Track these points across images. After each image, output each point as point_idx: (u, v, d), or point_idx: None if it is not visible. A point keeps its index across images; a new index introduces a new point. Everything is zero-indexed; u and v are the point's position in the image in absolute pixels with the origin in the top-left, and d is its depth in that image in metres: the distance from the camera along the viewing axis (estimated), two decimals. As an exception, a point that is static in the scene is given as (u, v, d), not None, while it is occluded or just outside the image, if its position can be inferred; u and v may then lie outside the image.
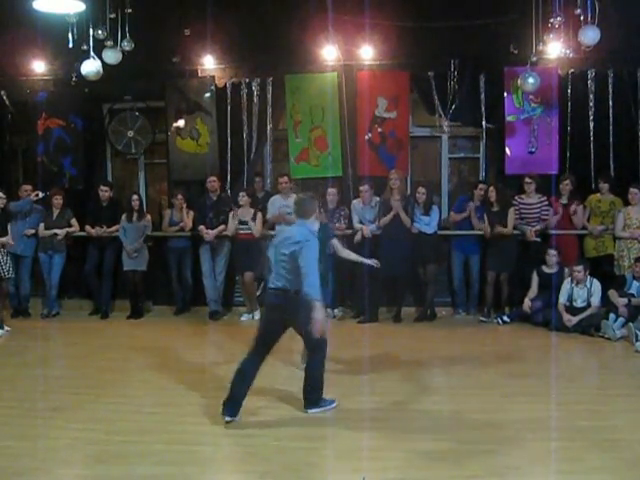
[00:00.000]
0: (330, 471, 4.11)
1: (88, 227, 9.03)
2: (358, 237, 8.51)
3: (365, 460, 4.20)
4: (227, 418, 4.73)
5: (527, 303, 8.03)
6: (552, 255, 8.01)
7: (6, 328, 8.05)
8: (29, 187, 9.00)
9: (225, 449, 4.49)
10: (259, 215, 8.64)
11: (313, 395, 5.02)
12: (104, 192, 9.03)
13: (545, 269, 8.06)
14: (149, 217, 9.09)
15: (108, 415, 5.04)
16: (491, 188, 8.40)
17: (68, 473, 4.16)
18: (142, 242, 8.86)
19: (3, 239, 8.18)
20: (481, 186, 8.64)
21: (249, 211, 8.64)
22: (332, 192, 8.68)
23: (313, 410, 4.98)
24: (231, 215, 8.75)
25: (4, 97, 9.58)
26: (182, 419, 4.94)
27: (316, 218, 5.08)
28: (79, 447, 4.46)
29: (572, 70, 8.69)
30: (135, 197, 8.92)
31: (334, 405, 5.07)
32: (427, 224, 8.44)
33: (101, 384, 5.85)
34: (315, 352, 4.98)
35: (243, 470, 4.18)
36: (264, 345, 4.89)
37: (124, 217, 8.87)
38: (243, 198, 8.66)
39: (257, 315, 8.43)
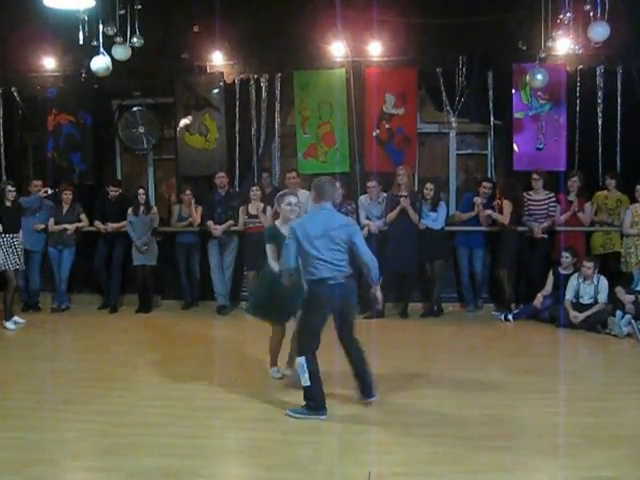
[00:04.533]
0: (336, 465, 4.13)
1: (97, 222, 9.10)
2: (365, 233, 8.52)
3: (371, 454, 4.23)
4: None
5: (539, 298, 8.02)
6: (565, 257, 7.99)
7: (21, 320, 8.16)
8: (39, 183, 9.08)
9: (232, 442, 4.52)
10: (269, 208, 8.68)
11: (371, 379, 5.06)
12: (114, 192, 9.09)
13: (561, 270, 8.03)
14: (155, 210, 9.14)
15: (116, 408, 5.09)
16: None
17: (77, 465, 4.21)
18: (150, 236, 8.91)
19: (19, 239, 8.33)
20: (485, 184, 8.64)
21: (259, 205, 8.69)
22: (337, 187, 8.69)
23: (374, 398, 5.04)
24: (241, 210, 8.80)
25: (14, 93, 9.63)
26: (189, 412, 4.98)
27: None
28: (88, 439, 4.51)
29: (581, 66, 8.67)
30: (141, 191, 8.98)
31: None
32: (434, 220, 8.45)
33: (110, 377, 5.90)
34: (356, 340, 5.07)
35: (249, 463, 4.21)
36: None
37: (130, 211, 8.92)
38: (257, 192, 8.70)
39: None
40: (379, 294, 5.20)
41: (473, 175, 9.71)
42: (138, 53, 8.36)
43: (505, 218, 8.28)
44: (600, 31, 7.28)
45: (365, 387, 5.04)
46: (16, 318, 8.17)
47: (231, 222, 8.84)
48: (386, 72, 9.07)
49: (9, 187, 8.20)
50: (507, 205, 8.31)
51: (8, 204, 8.18)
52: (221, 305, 8.89)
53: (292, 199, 5.45)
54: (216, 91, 9.36)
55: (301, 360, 4.80)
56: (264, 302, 5.50)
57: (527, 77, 8.34)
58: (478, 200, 8.54)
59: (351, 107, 9.12)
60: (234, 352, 6.81)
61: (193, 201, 9.06)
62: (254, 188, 8.76)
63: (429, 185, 8.53)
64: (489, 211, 8.40)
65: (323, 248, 4.78)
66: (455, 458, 4.16)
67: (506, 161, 9.05)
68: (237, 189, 9.28)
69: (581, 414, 4.88)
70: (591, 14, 7.28)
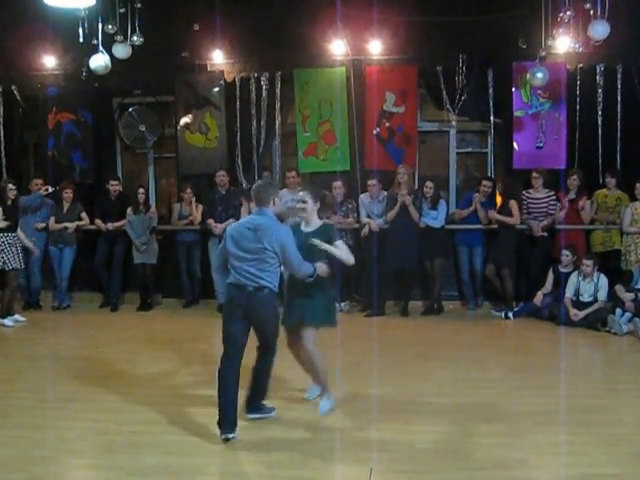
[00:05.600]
0: (337, 462, 4.15)
1: (98, 221, 9.11)
2: (365, 231, 8.56)
3: (372, 451, 4.23)
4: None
5: (539, 296, 8.04)
6: (565, 255, 8.01)
7: (21, 319, 8.20)
8: (40, 181, 9.09)
9: (232, 440, 4.53)
10: (272, 207, 8.66)
11: (257, 400, 4.78)
12: (114, 186, 9.11)
13: (561, 268, 8.05)
14: (154, 209, 9.17)
15: (117, 406, 5.11)
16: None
17: (78, 463, 4.22)
18: (149, 235, 8.92)
19: (32, 248, 8.40)
20: (485, 182, 8.65)
21: None
22: (338, 185, 8.72)
23: (254, 415, 4.75)
24: (243, 208, 8.81)
25: (15, 92, 9.64)
26: (191, 410, 5.00)
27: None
28: (89, 437, 4.52)
29: (581, 65, 8.67)
30: (141, 190, 9.00)
31: (273, 414, 4.82)
32: (434, 218, 8.47)
33: (111, 375, 5.92)
34: (269, 354, 4.73)
35: (251, 461, 4.22)
36: None
37: (129, 210, 8.94)
38: None
39: None
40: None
41: (473, 174, 9.72)
42: (138, 51, 8.39)
43: (516, 219, 8.32)
44: (600, 29, 7.29)
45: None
46: (17, 316, 8.20)
47: (231, 221, 8.83)
48: (386, 70, 9.08)
49: (10, 186, 8.21)
50: (515, 205, 8.33)
51: (8, 203, 8.18)
52: (222, 304, 8.88)
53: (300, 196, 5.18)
54: (216, 89, 9.37)
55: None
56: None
57: (527, 75, 8.34)
58: (477, 197, 8.55)
59: (351, 105, 9.13)
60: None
61: (194, 200, 9.07)
62: None
63: (429, 183, 8.55)
64: (497, 215, 8.39)
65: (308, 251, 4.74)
66: (455, 455, 4.18)
67: (506, 159, 9.06)
68: (244, 185, 9.25)
69: (581, 411, 4.89)
70: (591, 12, 7.30)
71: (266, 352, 4.73)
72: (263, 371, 4.75)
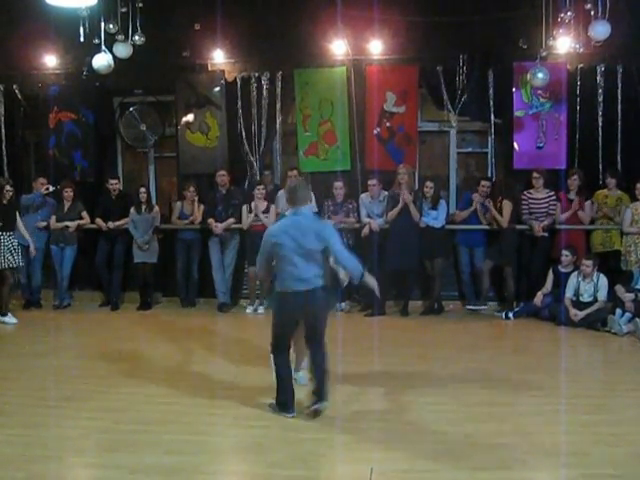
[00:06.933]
0: (338, 461, 4.16)
1: (99, 220, 9.12)
2: (366, 231, 8.56)
3: (372, 451, 4.24)
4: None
5: (539, 297, 8.05)
6: (565, 255, 8.01)
7: (13, 320, 8.18)
8: (44, 180, 9.10)
9: (233, 439, 4.54)
10: (272, 207, 8.70)
11: (326, 387, 4.86)
12: (114, 185, 9.13)
13: (561, 268, 8.05)
14: (157, 208, 9.18)
15: (118, 405, 5.12)
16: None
17: (79, 461, 4.23)
18: (151, 234, 8.93)
19: (32, 246, 8.42)
20: (483, 182, 8.65)
21: (263, 204, 8.71)
22: (339, 185, 8.73)
23: (325, 404, 4.82)
24: (245, 208, 8.81)
25: (16, 91, 9.63)
26: (191, 409, 5.01)
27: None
28: (90, 436, 4.53)
29: (581, 65, 8.67)
30: (143, 190, 9.00)
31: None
32: (435, 218, 8.47)
33: (111, 374, 5.92)
34: (320, 347, 4.88)
35: (251, 460, 4.23)
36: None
37: (133, 210, 8.95)
38: (262, 191, 8.73)
39: (260, 309, 8.67)
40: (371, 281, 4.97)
41: (472, 174, 9.72)
42: (139, 51, 8.38)
43: (504, 221, 8.29)
44: (601, 30, 7.30)
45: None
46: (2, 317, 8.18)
47: (232, 220, 8.86)
48: (387, 70, 9.08)
49: (7, 187, 8.20)
50: (507, 206, 8.31)
51: (4, 202, 8.18)
52: (222, 303, 8.91)
53: None
54: (217, 89, 9.37)
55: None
56: None
57: (528, 76, 8.34)
58: (476, 197, 8.56)
59: (352, 105, 9.14)
60: (235, 349, 6.83)
61: (196, 199, 9.08)
62: (260, 187, 8.78)
63: (429, 183, 8.56)
64: (493, 211, 8.38)
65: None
66: (455, 455, 4.18)
67: (506, 160, 9.06)
68: (254, 180, 9.24)
69: (581, 412, 4.91)
70: (592, 13, 7.30)
71: (317, 345, 4.86)
72: (319, 365, 4.84)
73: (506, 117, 8.99)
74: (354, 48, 8.95)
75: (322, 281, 4.76)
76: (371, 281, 4.93)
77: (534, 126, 8.82)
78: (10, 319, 8.12)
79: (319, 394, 4.79)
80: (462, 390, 5.47)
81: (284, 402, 4.83)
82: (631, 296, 7.47)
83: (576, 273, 7.83)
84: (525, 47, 8.42)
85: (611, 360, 6.73)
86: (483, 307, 8.60)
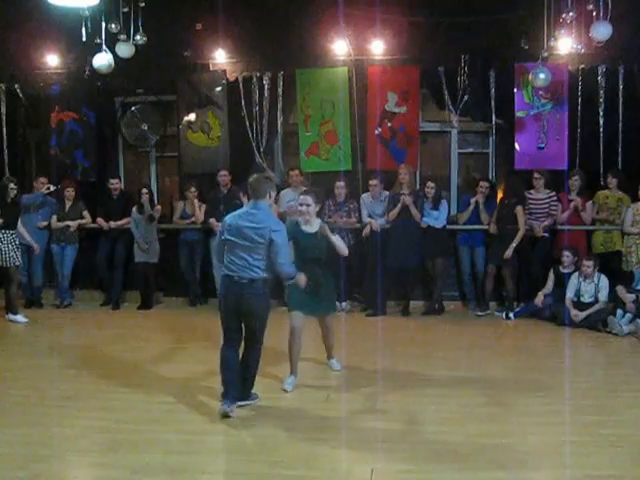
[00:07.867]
0: (339, 461, 4.16)
1: (100, 219, 9.13)
2: (367, 231, 8.56)
3: (373, 451, 4.25)
4: None
5: (540, 297, 8.05)
6: (566, 256, 8.01)
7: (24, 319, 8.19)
8: (45, 180, 9.11)
9: (235, 439, 4.54)
10: (274, 206, 8.68)
11: (247, 388, 5.00)
12: (115, 184, 9.14)
13: (562, 269, 8.05)
14: (159, 207, 9.18)
15: (119, 404, 5.12)
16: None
17: (80, 460, 4.23)
18: (148, 222, 8.91)
19: (33, 244, 8.47)
20: (482, 183, 8.65)
21: None
22: (340, 185, 8.73)
23: (242, 403, 4.92)
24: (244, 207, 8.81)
25: (18, 90, 9.65)
26: (192, 409, 5.02)
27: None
28: (91, 435, 4.53)
29: (582, 66, 8.67)
30: (144, 190, 9.00)
31: (257, 401, 5.05)
32: (436, 218, 8.48)
33: (112, 374, 5.92)
34: (256, 346, 4.96)
35: (253, 460, 4.22)
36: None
37: (135, 210, 8.95)
38: None
39: None
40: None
41: (472, 174, 9.71)
42: (141, 51, 8.38)
43: (522, 229, 8.19)
44: (602, 30, 7.28)
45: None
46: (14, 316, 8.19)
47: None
48: (388, 70, 9.08)
49: (12, 185, 8.22)
50: (520, 212, 8.22)
51: (8, 200, 8.19)
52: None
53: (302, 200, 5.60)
54: (219, 89, 9.38)
55: None
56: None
57: (529, 76, 8.33)
58: (479, 198, 8.55)
59: (353, 105, 9.14)
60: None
61: (197, 199, 9.08)
62: None
63: (430, 183, 8.56)
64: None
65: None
66: (456, 455, 4.18)
67: (507, 160, 9.05)
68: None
69: (582, 412, 4.90)
70: (593, 13, 7.28)
71: (253, 344, 4.93)
72: (251, 363, 4.97)
73: (507, 118, 8.98)
74: (356, 48, 8.96)
75: (263, 274, 4.79)
76: (301, 280, 5.01)
77: (535, 127, 8.82)
78: (22, 318, 8.13)
79: (236, 394, 4.84)
80: (462, 390, 5.47)
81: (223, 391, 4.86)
82: (632, 297, 7.47)
83: (577, 274, 7.83)
84: (526, 48, 8.43)
85: (612, 361, 6.72)
86: (488, 312, 8.57)
